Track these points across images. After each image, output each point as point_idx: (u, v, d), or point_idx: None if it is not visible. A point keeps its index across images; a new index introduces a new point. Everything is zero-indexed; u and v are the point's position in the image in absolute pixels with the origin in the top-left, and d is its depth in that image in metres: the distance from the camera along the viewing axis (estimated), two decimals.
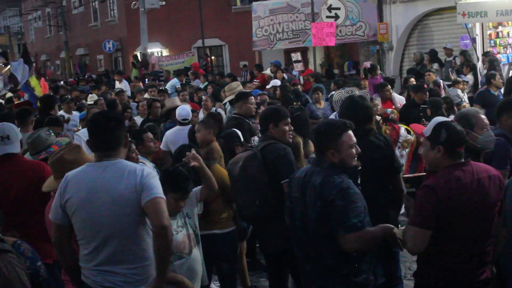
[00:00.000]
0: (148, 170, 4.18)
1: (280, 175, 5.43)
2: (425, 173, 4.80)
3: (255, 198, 5.42)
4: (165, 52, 32.19)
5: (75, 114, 12.22)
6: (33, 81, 13.75)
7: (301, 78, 19.07)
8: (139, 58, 28.40)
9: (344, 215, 4.08)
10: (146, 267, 4.13)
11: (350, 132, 4.38)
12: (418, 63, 18.45)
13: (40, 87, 13.22)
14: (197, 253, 5.39)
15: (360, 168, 4.57)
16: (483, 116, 5.40)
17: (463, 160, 4.19)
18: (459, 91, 12.69)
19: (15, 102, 13.49)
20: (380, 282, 4.43)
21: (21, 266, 3.48)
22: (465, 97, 12.87)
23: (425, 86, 11.37)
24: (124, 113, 11.04)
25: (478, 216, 4.08)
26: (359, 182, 4.57)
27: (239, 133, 7.24)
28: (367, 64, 17.26)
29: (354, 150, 4.35)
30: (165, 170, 5.37)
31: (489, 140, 5.31)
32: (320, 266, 4.33)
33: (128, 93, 18.31)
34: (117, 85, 21.51)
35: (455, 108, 10.01)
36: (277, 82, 15.16)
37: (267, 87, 15.25)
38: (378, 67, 16.68)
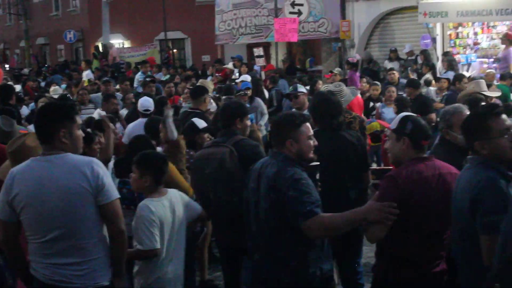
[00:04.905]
0: (97, 163, 4.11)
1: None
2: (392, 167, 4.82)
3: (233, 195, 5.23)
4: (127, 44, 31.90)
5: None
6: None
7: (262, 73, 19.04)
8: (100, 49, 28.08)
9: (300, 205, 4.10)
10: (97, 261, 4.10)
11: (308, 124, 4.47)
12: (369, 62, 18.79)
13: None
14: None
15: (318, 163, 4.60)
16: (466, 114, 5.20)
17: (426, 155, 4.25)
18: (433, 90, 12.81)
19: None
20: (326, 276, 4.44)
21: None
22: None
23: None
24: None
25: (438, 210, 4.12)
26: (317, 177, 4.60)
27: (201, 122, 7.15)
28: (357, 57, 18.55)
29: (312, 142, 4.43)
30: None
31: None
32: (268, 256, 4.37)
33: None
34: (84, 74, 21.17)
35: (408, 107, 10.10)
36: (247, 77, 15.02)
37: (237, 81, 15.13)
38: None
